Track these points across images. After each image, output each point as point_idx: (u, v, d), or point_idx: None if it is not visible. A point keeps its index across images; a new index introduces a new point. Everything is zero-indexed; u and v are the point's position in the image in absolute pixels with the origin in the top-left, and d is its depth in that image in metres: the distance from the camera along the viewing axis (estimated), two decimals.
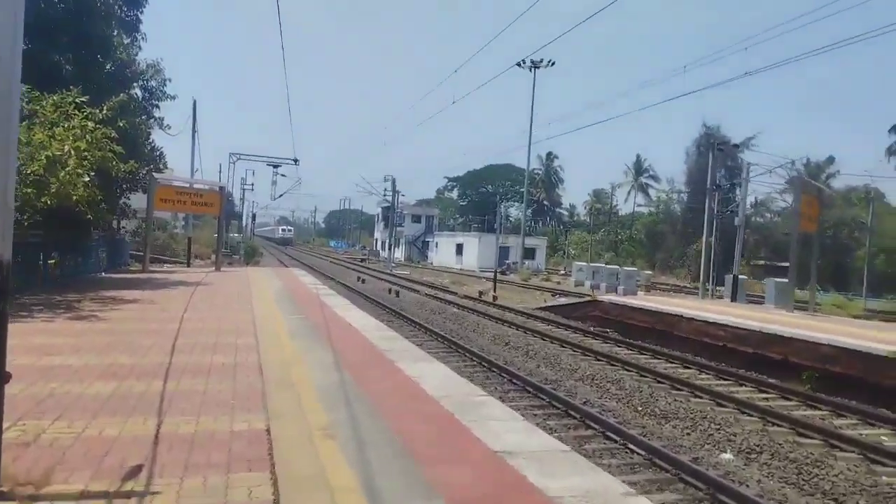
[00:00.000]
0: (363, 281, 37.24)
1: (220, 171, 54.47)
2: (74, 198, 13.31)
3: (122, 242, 27.29)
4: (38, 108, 13.56)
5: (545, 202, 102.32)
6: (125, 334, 9.88)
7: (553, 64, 59.79)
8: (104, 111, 13.75)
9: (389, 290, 30.82)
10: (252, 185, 67.94)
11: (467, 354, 14.85)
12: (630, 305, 19.13)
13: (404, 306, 24.66)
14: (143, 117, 20.89)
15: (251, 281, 21.73)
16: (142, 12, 19.83)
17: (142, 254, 25.28)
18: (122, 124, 13.99)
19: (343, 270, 46.27)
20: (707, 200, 29.24)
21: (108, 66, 17.50)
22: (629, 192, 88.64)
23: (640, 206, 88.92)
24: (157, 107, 20.19)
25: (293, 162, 40.45)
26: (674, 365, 15.25)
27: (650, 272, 50.44)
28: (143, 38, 19.88)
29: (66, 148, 12.79)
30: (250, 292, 17.42)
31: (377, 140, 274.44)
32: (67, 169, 12.77)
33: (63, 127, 13.34)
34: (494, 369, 13.41)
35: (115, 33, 18.02)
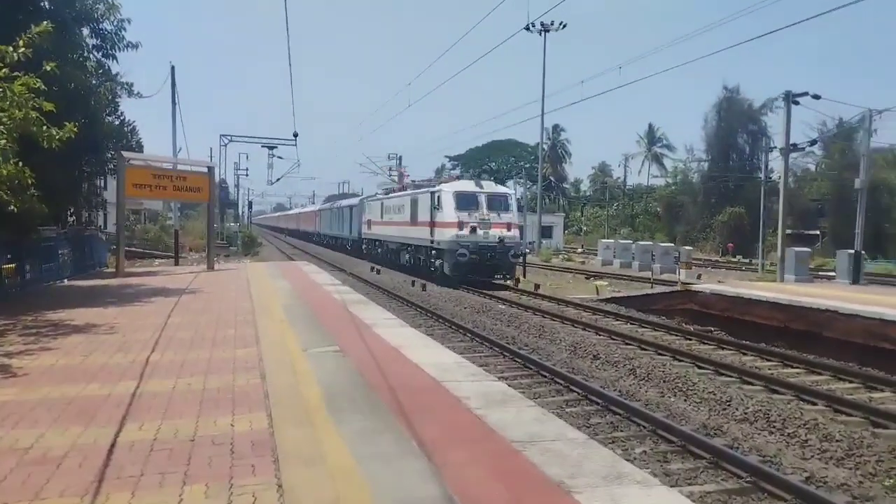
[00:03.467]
0: (378, 272, 32.79)
1: (210, 155, 49.73)
2: None
3: (93, 239, 22.70)
4: None
5: (551, 178, 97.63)
6: (29, 421, 5.41)
7: (564, 26, 54.81)
8: (20, 49, 9.14)
9: (413, 283, 26.35)
10: (247, 170, 63.30)
11: (578, 391, 10.35)
12: (746, 297, 14.67)
13: (441, 305, 20.20)
14: (99, 74, 16.22)
15: (251, 282, 17.23)
16: None
17: (135, 251, 20.71)
18: (49, 68, 9.38)
19: (351, 259, 41.75)
20: (784, 161, 24.60)
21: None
22: (643, 163, 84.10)
23: (654, 176, 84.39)
24: (114, 57, 15.64)
25: (293, 137, 35.81)
26: None
27: (688, 248, 45.92)
28: None
29: None
30: (252, 303, 12.93)
31: (375, 120, 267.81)
32: None
33: None
34: (642, 423, 8.83)
35: None
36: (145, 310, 11.99)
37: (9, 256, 14.45)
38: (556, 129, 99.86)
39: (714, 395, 10.20)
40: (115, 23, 14.84)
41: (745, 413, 9.29)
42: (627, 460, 4.90)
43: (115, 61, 16.11)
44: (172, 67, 26.89)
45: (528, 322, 17.14)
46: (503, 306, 19.90)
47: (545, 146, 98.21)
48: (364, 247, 40.57)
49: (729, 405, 9.72)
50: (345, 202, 51.94)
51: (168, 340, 8.96)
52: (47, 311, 11.56)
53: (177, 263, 26.24)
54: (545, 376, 11.26)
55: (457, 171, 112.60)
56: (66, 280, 17.55)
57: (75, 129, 10.15)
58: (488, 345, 13.50)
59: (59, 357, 7.83)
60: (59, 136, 10.06)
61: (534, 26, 51.39)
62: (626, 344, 13.98)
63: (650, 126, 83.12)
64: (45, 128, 9.90)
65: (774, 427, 8.66)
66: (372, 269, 34.56)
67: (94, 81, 15.29)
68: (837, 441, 7.94)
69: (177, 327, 10.03)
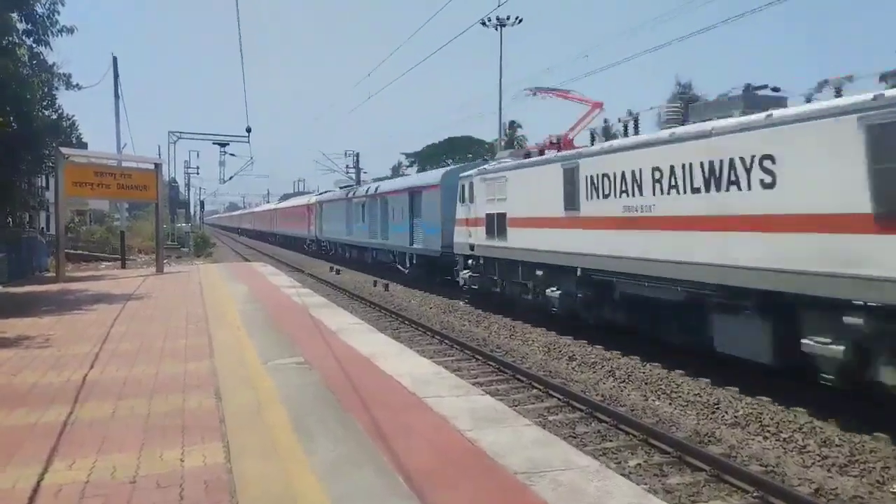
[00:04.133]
0: (338, 272, 31.82)
1: (158, 153, 47.83)
2: None
3: (32, 242, 21.23)
4: None
5: None
6: None
7: (520, 21, 54.51)
8: None
9: (375, 283, 25.53)
10: (198, 168, 61.29)
11: (558, 396, 9.76)
12: None
13: (406, 306, 19.46)
14: (32, 64, 14.94)
15: (204, 286, 16.19)
16: None
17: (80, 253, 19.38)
18: None
19: (308, 260, 40.60)
20: None
21: None
22: None
23: None
24: (47, 44, 14.38)
25: (245, 133, 34.28)
26: None
27: None
28: None
29: None
30: (205, 309, 11.98)
31: (331, 117, 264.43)
32: None
33: None
34: (632, 431, 8.31)
35: None
36: (86, 319, 10.95)
37: None
38: (513, 124, 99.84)
39: (700, 397, 9.75)
40: (47, 5, 13.63)
41: (736, 417, 8.84)
42: (652, 493, 4.26)
43: (48, 48, 14.89)
44: (115, 58, 25.44)
45: (498, 322, 16.56)
46: (468, 305, 19.27)
47: (502, 143, 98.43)
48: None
49: (717, 408, 9.27)
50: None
51: (110, 354, 8.02)
52: None
53: (123, 267, 24.83)
54: (521, 380, 10.67)
55: (413, 169, 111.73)
56: None
57: (3, 124, 9.07)
58: (460, 349, 12.84)
59: None
60: None
61: (490, 21, 51.09)
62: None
63: (606, 121, 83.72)
64: None
65: (769, 432, 8.21)
66: (331, 269, 33.59)
67: (26, 71, 14.02)
68: (837, 446, 7.53)
69: (121, 338, 9.07)
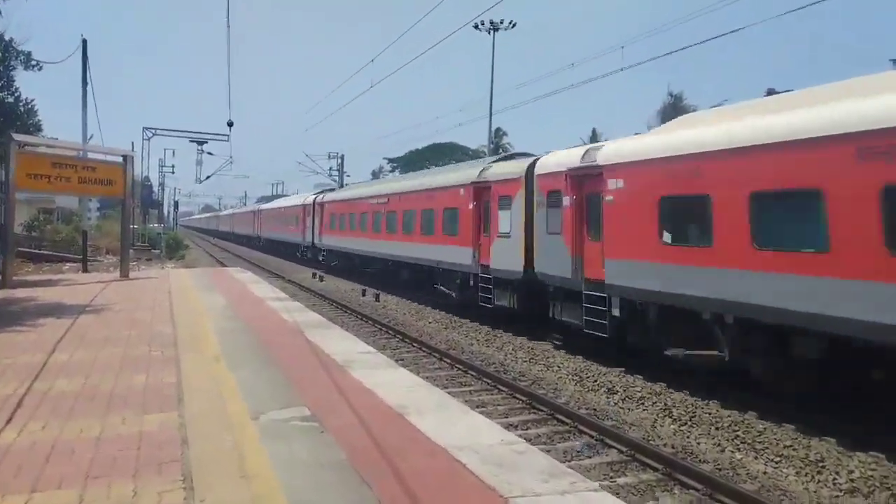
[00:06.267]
0: (321, 279, 29.64)
1: (132, 150, 45.04)
2: None
3: None
4: None
5: None
6: None
7: (514, 25, 52.90)
8: None
9: (364, 293, 23.39)
10: (173, 167, 58.51)
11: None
12: None
13: (406, 321, 17.39)
14: None
15: (175, 295, 13.91)
16: None
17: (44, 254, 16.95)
18: None
19: (288, 265, 38.19)
20: None
21: None
22: None
23: None
24: None
25: (227, 126, 31.61)
26: None
27: None
28: None
29: None
30: (174, 328, 9.76)
31: (312, 118, 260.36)
32: None
33: None
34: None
35: None
36: (21, 341, 8.66)
37: None
38: (499, 132, 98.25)
39: (795, 450, 7.84)
40: None
41: (852, 481, 6.92)
42: None
43: None
44: (84, 41, 22.93)
45: (512, 343, 14.52)
46: (472, 321, 17.20)
47: (486, 151, 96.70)
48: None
49: (823, 467, 7.35)
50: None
51: (39, 398, 5.83)
52: None
53: (85, 270, 22.35)
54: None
55: (395, 174, 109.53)
56: None
57: None
58: (509, 391, 10.60)
59: None
60: None
61: (483, 24, 49.31)
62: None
63: (594, 130, 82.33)
64: None
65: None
66: (314, 275, 31.35)
67: None
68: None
69: (59, 371, 6.85)
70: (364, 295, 23.17)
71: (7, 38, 15.38)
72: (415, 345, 14.41)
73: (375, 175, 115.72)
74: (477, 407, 8.87)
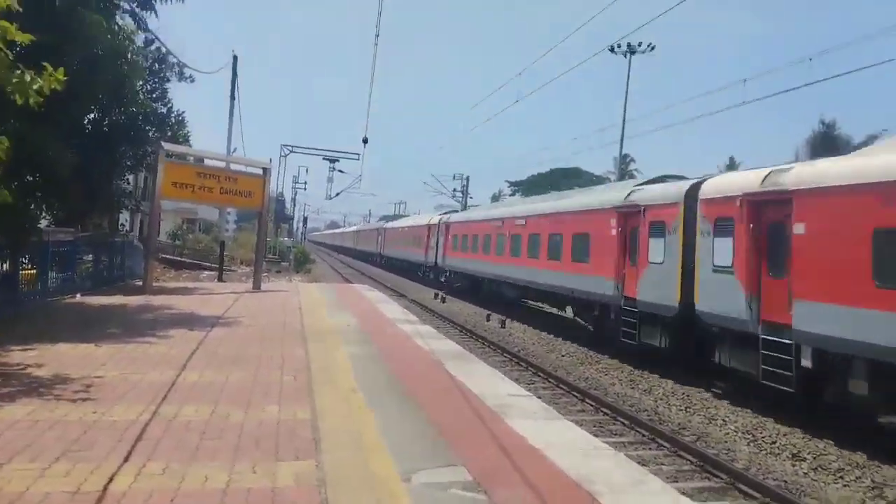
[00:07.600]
0: (443, 300, 28.91)
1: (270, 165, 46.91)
2: None
3: (126, 247, 19.44)
4: None
5: None
6: None
7: (653, 48, 50.34)
8: None
9: (488, 318, 22.30)
10: (305, 183, 60.73)
11: None
12: None
13: (535, 351, 16.10)
14: (138, 48, 12.89)
15: (305, 313, 13.45)
16: None
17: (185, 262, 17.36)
18: None
19: (408, 283, 37.98)
20: None
21: None
22: None
23: None
24: (153, 10, 12.19)
25: (360, 144, 32.03)
26: None
27: None
28: None
29: None
30: (306, 352, 9.07)
31: (442, 138, 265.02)
32: None
33: None
34: None
35: None
36: (153, 353, 8.23)
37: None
38: (626, 158, 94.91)
39: None
40: None
41: None
42: None
43: (153, 15, 12.81)
44: (235, 57, 23.84)
45: (661, 387, 12.84)
46: (611, 358, 15.60)
47: (611, 177, 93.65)
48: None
49: None
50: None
51: (164, 427, 5.13)
52: (14, 347, 7.96)
53: (220, 279, 22.83)
54: None
55: (516, 197, 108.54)
56: (78, 295, 14.12)
57: (62, 77, 6.49)
58: (671, 447, 9.06)
59: None
60: (39, 85, 6.45)
61: (619, 47, 47.36)
62: None
63: (731, 159, 77.45)
64: (19, 72, 6.35)
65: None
66: (436, 296, 30.75)
67: (127, 43, 11.82)
68: None
69: (186, 396, 6.19)
70: (488, 320, 22.10)
71: (163, 50, 15.75)
72: (550, 380, 13.06)
73: (496, 198, 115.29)
74: (671, 480, 7.35)
